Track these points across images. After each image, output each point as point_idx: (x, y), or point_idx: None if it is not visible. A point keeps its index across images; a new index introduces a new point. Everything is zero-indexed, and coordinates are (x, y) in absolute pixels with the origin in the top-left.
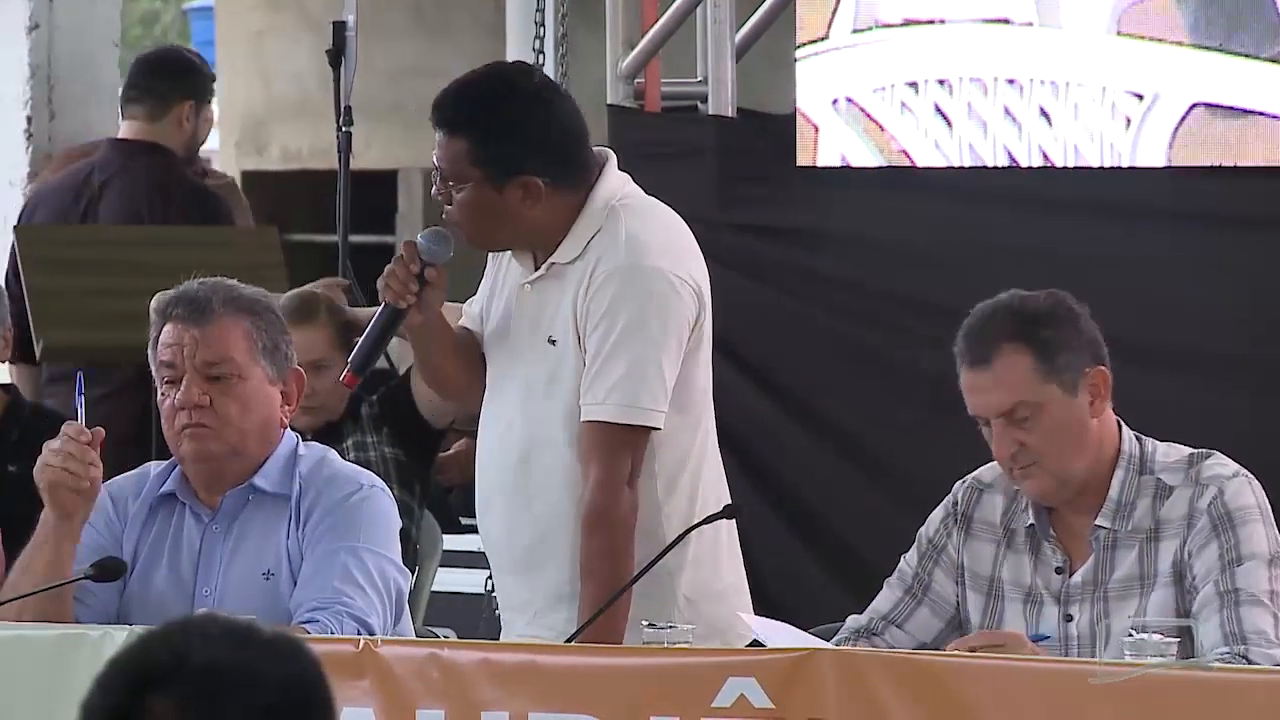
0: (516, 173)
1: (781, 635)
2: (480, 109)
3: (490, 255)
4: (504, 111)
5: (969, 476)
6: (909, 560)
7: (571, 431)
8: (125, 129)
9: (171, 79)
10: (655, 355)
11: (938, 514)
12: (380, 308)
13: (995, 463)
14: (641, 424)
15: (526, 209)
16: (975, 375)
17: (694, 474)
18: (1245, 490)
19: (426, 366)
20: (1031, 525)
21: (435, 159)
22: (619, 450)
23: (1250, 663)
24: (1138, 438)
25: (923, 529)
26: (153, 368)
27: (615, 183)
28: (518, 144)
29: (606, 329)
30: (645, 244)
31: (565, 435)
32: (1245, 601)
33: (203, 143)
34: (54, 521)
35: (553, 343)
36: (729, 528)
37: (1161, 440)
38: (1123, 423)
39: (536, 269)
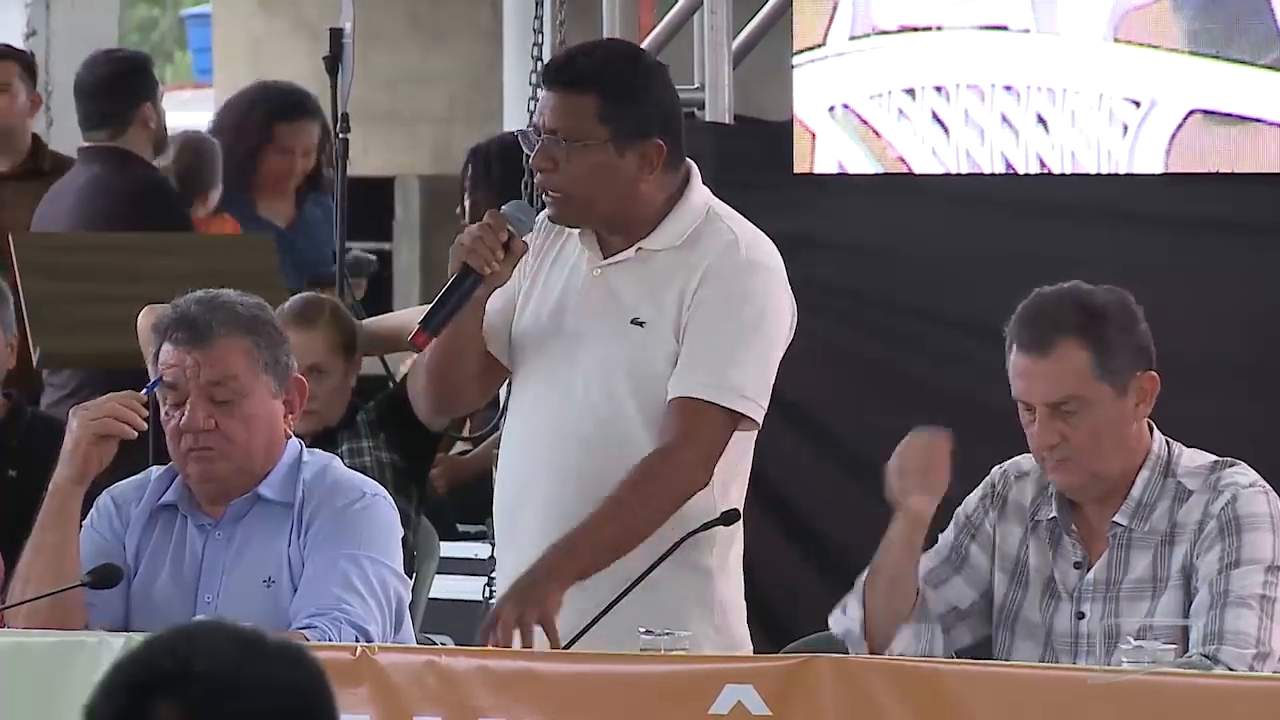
0: (643, 136)
1: None
2: (612, 67)
3: None
4: (636, 73)
5: (1007, 462)
6: (946, 536)
7: (649, 414)
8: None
9: (121, 95)
10: (769, 354)
11: (976, 493)
12: (456, 274)
13: (1032, 453)
14: (745, 413)
15: (640, 178)
16: (1030, 362)
17: (741, 484)
18: (1259, 500)
19: (451, 358)
20: (1054, 518)
21: (543, 120)
22: (716, 432)
23: (1217, 663)
24: (1167, 442)
25: (960, 508)
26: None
27: (704, 189)
28: (648, 107)
29: (722, 318)
30: (759, 247)
31: (642, 417)
32: (1232, 603)
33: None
34: (65, 488)
35: (639, 324)
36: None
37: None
38: (1154, 426)
39: (607, 254)
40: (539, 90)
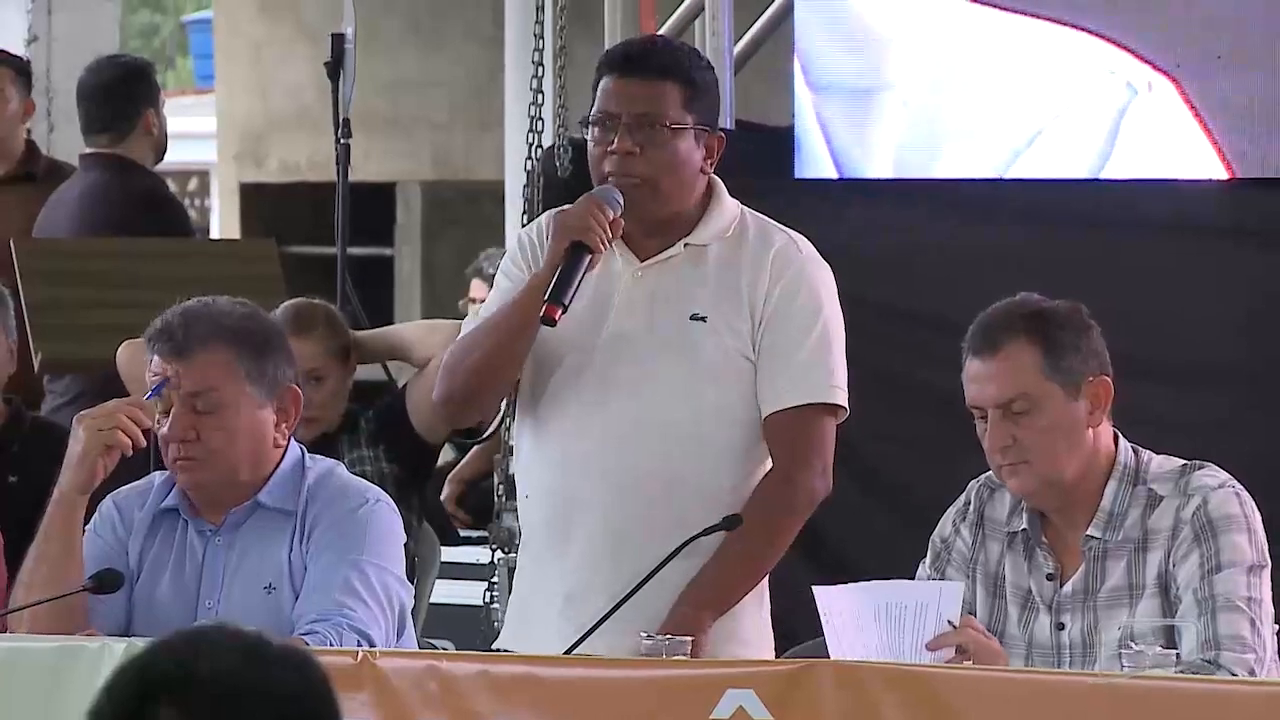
0: (713, 126)
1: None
2: (686, 59)
3: (520, 257)
4: (704, 67)
5: (983, 475)
6: (923, 565)
7: (715, 405)
8: (91, 147)
9: (124, 100)
10: (842, 342)
11: (949, 513)
12: (570, 254)
13: (987, 460)
14: (841, 403)
15: (703, 169)
16: (979, 363)
17: None
18: (1230, 500)
19: (506, 363)
20: (1025, 529)
21: (622, 109)
22: (827, 433)
23: (1219, 668)
24: (1134, 449)
25: (935, 534)
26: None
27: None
28: (713, 98)
29: (803, 324)
30: (808, 243)
31: (708, 409)
32: (1222, 608)
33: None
34: (71, 497)
35: (701, 320)
36: None
37: (1168, 453)
38: (1120, 435)
39: (644, 256)
40: (603, 80)
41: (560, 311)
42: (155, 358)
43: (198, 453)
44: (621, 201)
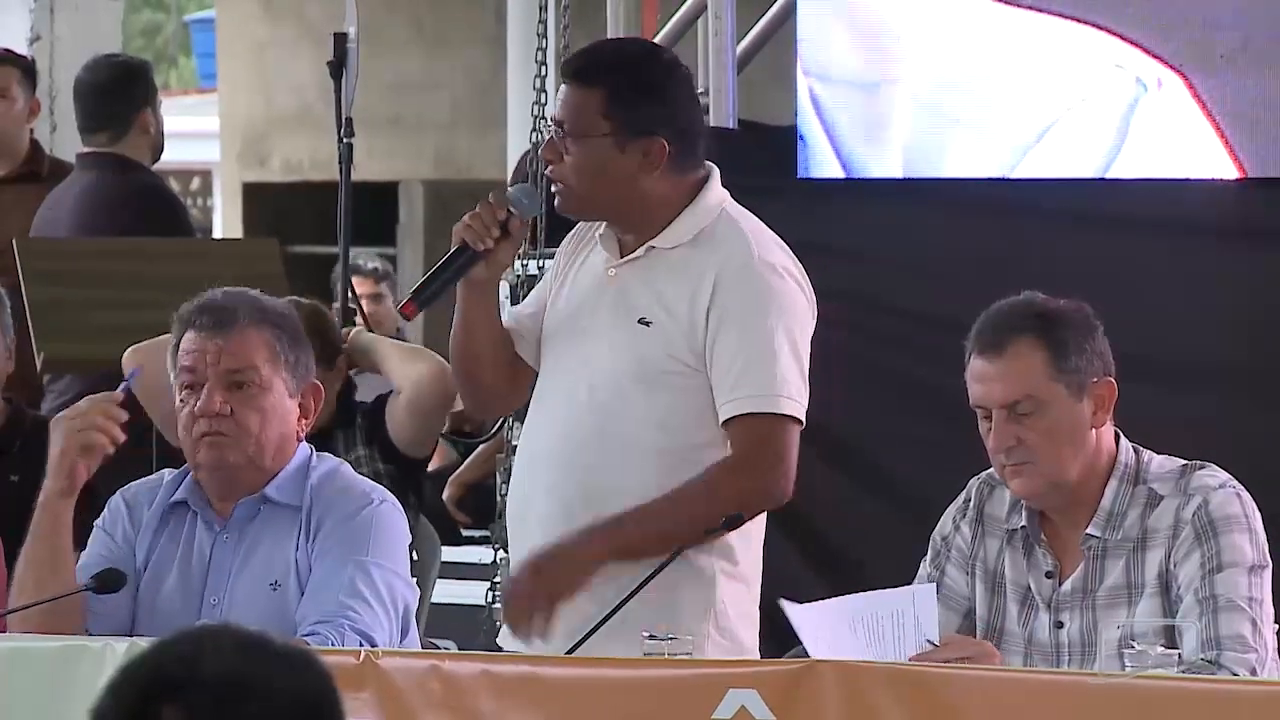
0: (646, 133)
1: (819, 621)
2: (620, 62)
3: (560, 249)
4: (644, 69)
5: (984, 473)
6: (924, 564)
7: (654, 412)
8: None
9: (121, 99)
10: (798, 349)
11: (949, 511)
12: (452, 250)
13: (990, 460)
14: (793, 414)
15: (642, 175)
16: (985, 363)
17: None
18: (1231, 501)
19: (470, 353)
20: (1024, 527)
21: (556, 113)
22: (782, 439)
23: (1220, 668)
24: (1135, 449)
25: (935, 531)
26: (171, 374)
27: (722, 191)
28: (653, 103)
29: (749, 328)
30: (771, 246)
31: (647, 415)
32: (1223, 608)
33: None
34: (54, 501)
35: (645, 324)
36: (759, 552)
37: (1172, 453)
38: (1121, 434)
39: (624, 254)
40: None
41: (415, 307)
42: (193, 334)
43: (229, 429)
44: (529, 202)
